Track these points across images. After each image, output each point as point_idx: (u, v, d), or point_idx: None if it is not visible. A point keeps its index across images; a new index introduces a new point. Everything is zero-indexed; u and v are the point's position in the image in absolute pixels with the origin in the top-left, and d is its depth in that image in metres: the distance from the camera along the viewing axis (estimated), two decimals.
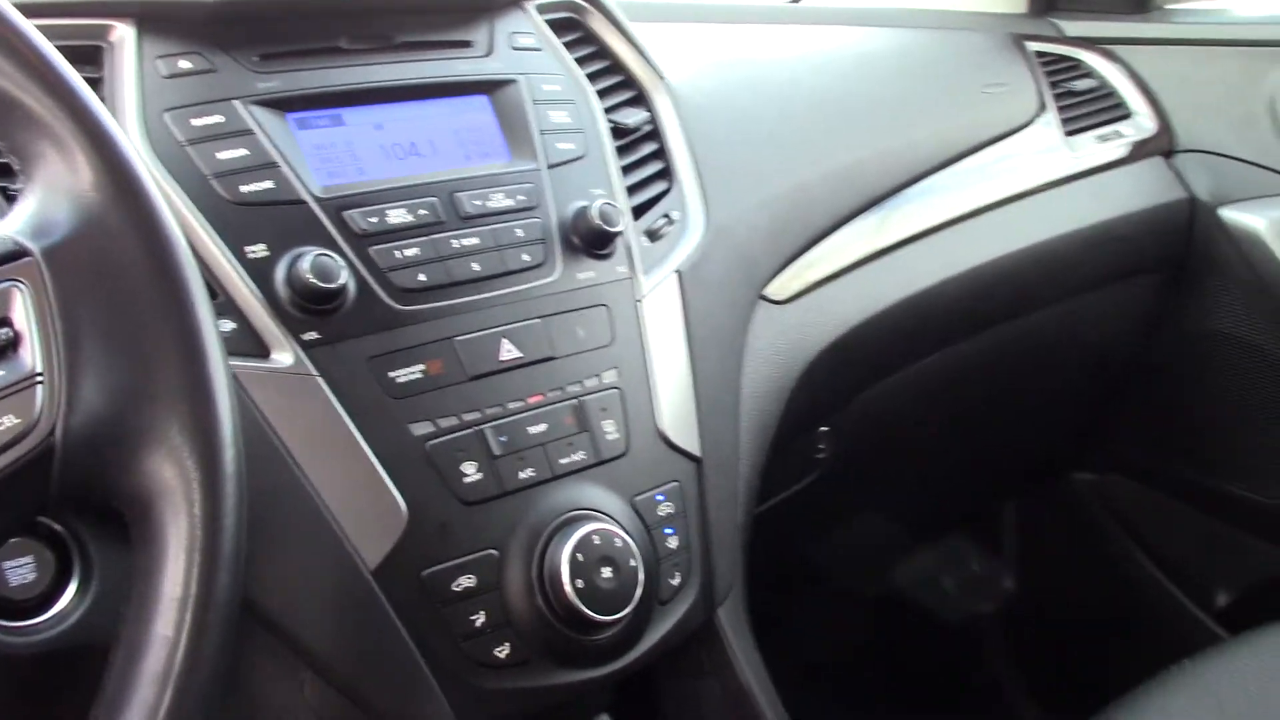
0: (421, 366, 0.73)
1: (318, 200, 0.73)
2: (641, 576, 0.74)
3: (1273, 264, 1.27)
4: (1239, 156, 1.32)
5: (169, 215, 0.50)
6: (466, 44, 0.86)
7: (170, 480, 0.47)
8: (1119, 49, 1.40)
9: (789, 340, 0.98)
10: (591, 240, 0.83)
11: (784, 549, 0.96)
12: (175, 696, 0.46)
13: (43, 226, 0.48)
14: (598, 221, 0.82)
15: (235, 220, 0.71)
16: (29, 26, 0.50)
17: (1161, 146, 1.35)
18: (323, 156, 0.76)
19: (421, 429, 0.72)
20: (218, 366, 0.50)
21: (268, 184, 0.72)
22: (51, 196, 0.48)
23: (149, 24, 0.74)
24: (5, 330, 0.47)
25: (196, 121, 0.72)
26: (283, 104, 0.76)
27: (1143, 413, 1.47)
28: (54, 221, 0.48)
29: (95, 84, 0.72)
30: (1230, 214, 1.31)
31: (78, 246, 0.48)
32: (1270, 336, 1.31)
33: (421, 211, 0.77)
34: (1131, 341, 1.40)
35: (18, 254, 0.46)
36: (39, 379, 0.47)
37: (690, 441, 0.83)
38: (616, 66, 0.97)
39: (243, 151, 0.73)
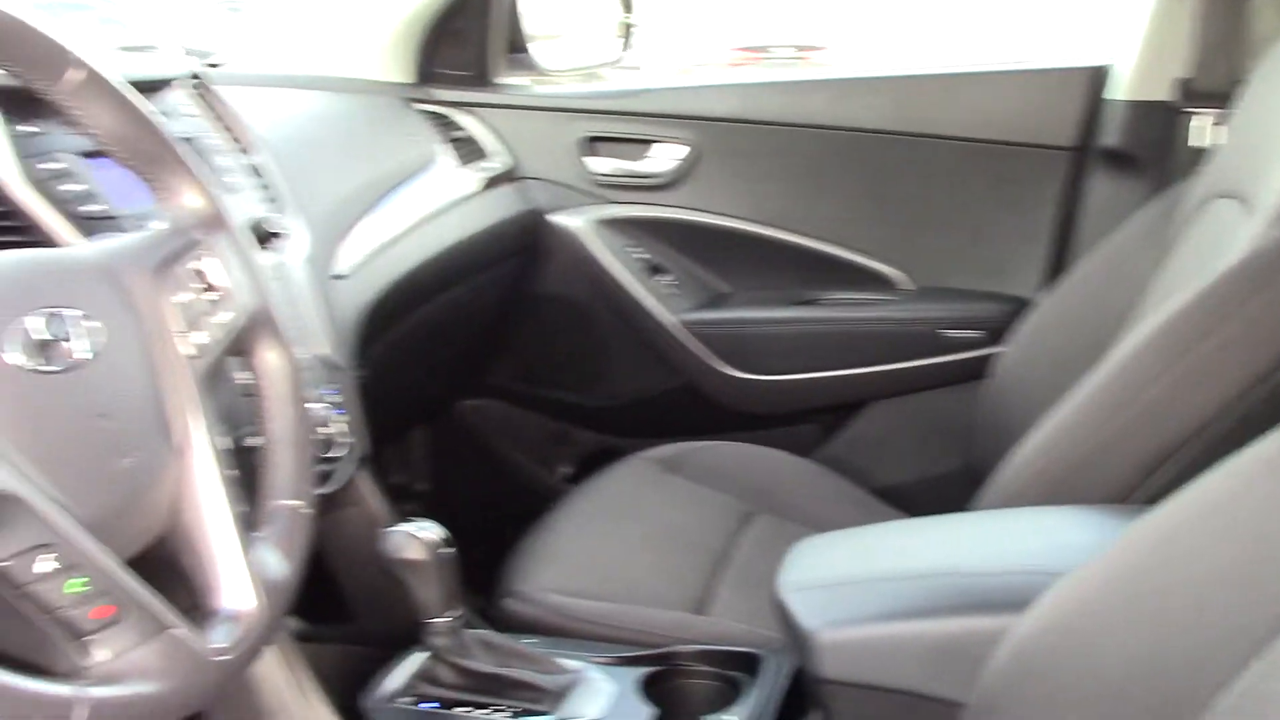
0: None
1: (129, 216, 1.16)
2: (343, 431, 1.27)
3: (583, 250, 2.04)
4: (559, 181, 2.07)
5: None
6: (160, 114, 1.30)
7: None
8: (475, 110, 2.08)
9: (348, 303, 1.51)
10: (263, 240, 1.32)
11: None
12: None
13: None
14: (266, 228, 1.32)
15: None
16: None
17: (513, 175, 2.06)
18: (116, 189, 1.18)
19: None
20: None
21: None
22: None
23: None
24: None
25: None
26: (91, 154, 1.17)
27: (509, 352, 2.18)
28: None
29: None
30: (556, 219, 2.06)
31: None
32: (585, 296, 2.07)
33: None
34: (504, 303, 2.10)
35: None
36: None
37: (336, 360, 1.36)
38: (226, 126, 1.45)
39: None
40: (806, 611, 1.05)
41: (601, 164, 2.07)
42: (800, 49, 11.17)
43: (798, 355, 1.99)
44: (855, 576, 1.10)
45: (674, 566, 1.51)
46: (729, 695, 1.25)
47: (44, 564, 0.69)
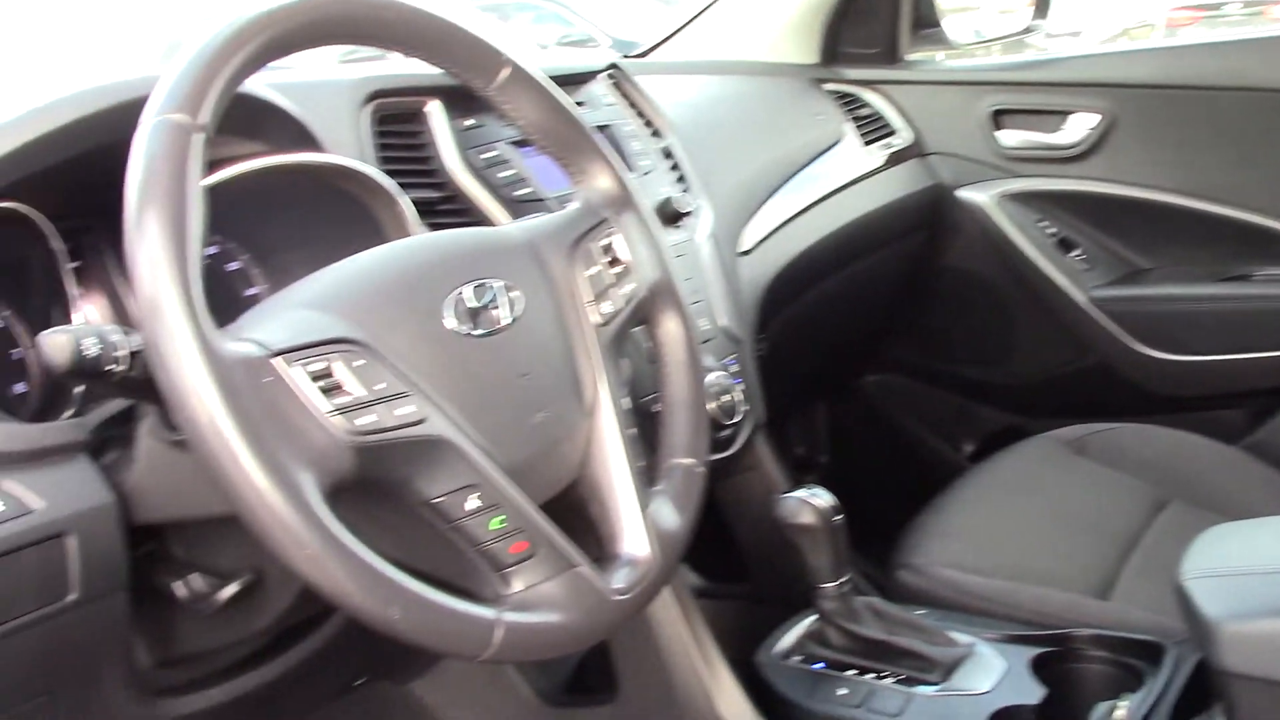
0: None
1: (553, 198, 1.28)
2: (741, 399, 1.33)
3: (992, 224, 2.01)
4: (966, 155, 2.05)
5: None
6: (582, 104, 1.42)
7: None
8: (882, 87, 2.09)
9: (751, 278, 1.58)
10: (672, 218, 1.40)
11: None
12: None
13: None
14: (675, 207, 1.40)
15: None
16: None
17: (919, 151, 2.06)
18: (542, 173, 1.30)
19: None
20: None
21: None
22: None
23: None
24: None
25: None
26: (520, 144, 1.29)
27: (912, 328, 2.19)
28: None
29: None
30: (963, 193, 2.04)
31: None
32: (992, 271, 2.04)
33: None
34: (907, 278, 2.10)
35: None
36: None
37: (736, 332, 1.43)
38: (641, 112, 1.55)
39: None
40: (1210, 601, 1.01)
41: (1010, 136, 2.02)
42: (1253, 3, 10.22)
43: (1225, 335, 1.86)
44: (1267, 567, 1.03)
45: (1075, 549, 1.48)
46: (1125, 683, 1.21)
47: (472, 502, 0.79)
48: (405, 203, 1.08)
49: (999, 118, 2.03)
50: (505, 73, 0.95)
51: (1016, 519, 1.55)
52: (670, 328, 1.02)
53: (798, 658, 1.28)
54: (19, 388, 0.95)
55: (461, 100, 1.27)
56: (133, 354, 0.75)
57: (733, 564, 1.55)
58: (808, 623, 1.31)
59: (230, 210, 0.99)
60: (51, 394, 0.96)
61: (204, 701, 0.99)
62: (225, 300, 1.09)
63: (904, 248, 2.04)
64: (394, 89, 1.24)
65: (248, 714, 1.07)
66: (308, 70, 1.28)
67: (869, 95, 2.08)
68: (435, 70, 0.94)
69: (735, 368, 1.39)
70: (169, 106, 0.74)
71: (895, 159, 2.00)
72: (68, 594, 0.82)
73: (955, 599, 1.40)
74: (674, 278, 1.04)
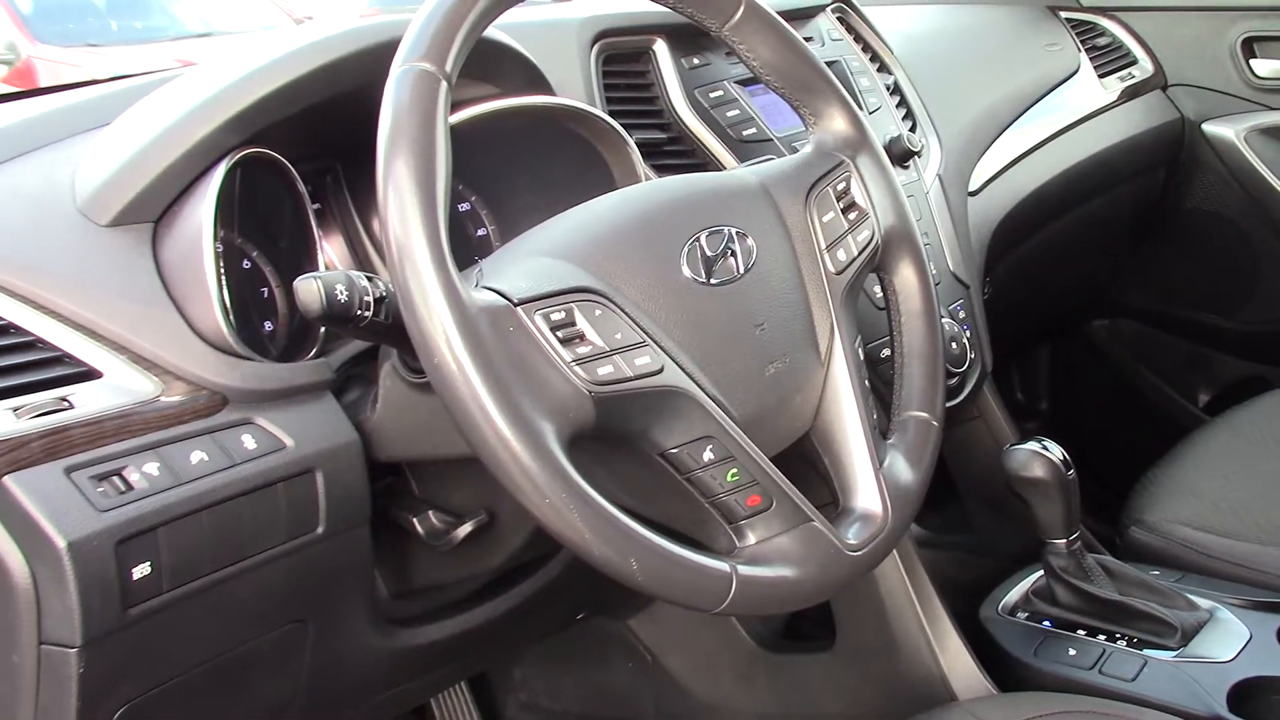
0: None
1: (780, 138, 1.25)
2: (967, 346, 1.29)
3: (1241, 161, 1.88)
4: (1212, 87, 1.92)
5: None
6: (809, 39, 1.38)
7: None
8: (1121, 14, 1.97)
9: (978, 220, 1.52)
10: (902, 157, 1.35)
11: None
12: None
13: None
14: (906, 145, 1.35)
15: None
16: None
17: (1159, 83, 1.94)
18: (768, 113, 1.27)
19: None
20: None
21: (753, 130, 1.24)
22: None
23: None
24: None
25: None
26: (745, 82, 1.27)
27: (1143, 270, 2.08)
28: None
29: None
30: (1210, 127, 1.91)
31: None
32: (1237, 211, 1.92)
33: None
34: (1142, 218, 1.99)
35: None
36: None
37: (963, 276, 1.38)
38: (867, 46, 1.50)
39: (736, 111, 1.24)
40: None
41: (1264, 66, 1.88)
42: None
43: None
44: None
45: None
46: None
47: (708, 454, 0.79)
48: (633, 145, 1.07)
49: (1251, 45, 1.89)
50: (740, 12, 0.93)
51: (1261, 477, 1.46)
52: (907, 276, 0.99)
53: (1023, 614, 1.24)
54: (267, 326, 0.99)
55: (686, 39, 1.25)
56: (377, 299, 0.77)
57: (955, 514, 1.51)
58: (1033, 578, 1.27)
59: (461, 152, 1.00)
60: (297, 334, 0.99)
61: (438, 633, 1.02)
62: (457, 241, 1.10)
63: (1139, 186, 1.93)
64: (621, 28, 1.23)
65: (476, 645, 1.10)
66: (531, 11, 1.28)
67: (1107, 23, 1.96)
68: (658, 9, 0.92)
69: (962, 314, 1.34)
70: (416, 54, 0.74)
71: (1132, 92, 1.89)
72: (316, 527, 0.86)
73: (1193, 560, 1.33)
74: (912, 224, 1.00)
